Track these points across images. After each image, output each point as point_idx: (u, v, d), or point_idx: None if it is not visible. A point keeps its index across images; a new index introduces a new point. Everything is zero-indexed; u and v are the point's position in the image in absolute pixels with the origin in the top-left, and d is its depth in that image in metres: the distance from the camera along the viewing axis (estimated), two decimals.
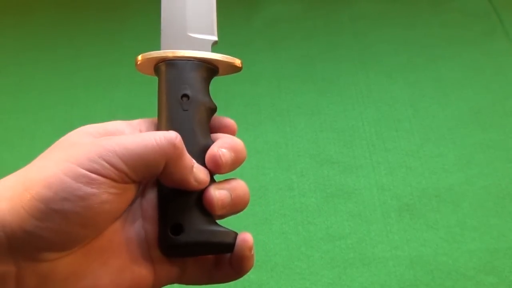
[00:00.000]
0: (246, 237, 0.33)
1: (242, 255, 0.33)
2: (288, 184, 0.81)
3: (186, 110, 0.34)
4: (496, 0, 1.03)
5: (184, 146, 0.31)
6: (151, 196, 0.33)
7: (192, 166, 0.32)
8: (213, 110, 0.36)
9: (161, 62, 0.35)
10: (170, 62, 0.35)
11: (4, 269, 0.28)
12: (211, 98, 0.36)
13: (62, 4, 1.17)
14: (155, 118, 0.36)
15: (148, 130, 0.35)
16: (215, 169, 0.33)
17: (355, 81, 0.94)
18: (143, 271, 0.32)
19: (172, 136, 0.30)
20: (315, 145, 0.85)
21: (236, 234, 0.33)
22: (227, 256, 0.34)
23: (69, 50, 1.07)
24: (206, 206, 0.33)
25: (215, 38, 0.38)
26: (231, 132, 0.37)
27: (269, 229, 0.76)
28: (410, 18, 1.04)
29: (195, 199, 0.33)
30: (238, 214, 0.67)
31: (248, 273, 0.79)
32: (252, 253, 0.33)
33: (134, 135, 0.31)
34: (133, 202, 0.33)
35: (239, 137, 0.91)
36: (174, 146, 0.30)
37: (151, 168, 0.30)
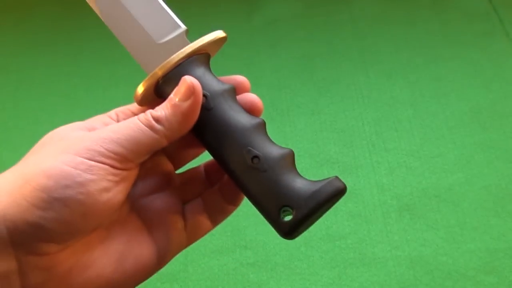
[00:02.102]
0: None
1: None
2: None
3: (211, 109, 0.33)
4: (496, 0, 1.03)
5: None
6: (141, 184, 0.34)
7: (173, 111, 0.32)
8: (232, 89, 0.34)
9: (160, 80, 0.34)
10: (169, 75, 0.34)
11: (6, 266, 0.28)
12: (221, 82, 0.34)
13: (62, 3, 1.17)
14: (131, 105, 0.35)
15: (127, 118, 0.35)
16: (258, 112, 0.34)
17: (355, 81, 0.94)
18: (144, 251, 0.32)
19: (152, 123, 0.31)
20: (315, 145, 0.85)
21: (336, 176, 0.33)
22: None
23: (69, 49, 1.07)
24: (254, 104, 0.34)
25: (182, 28, 0.36)
26: (244, 89, 0.36)
27: (269, 229, 0.76)
28: (410, 18, 1.04)
29: (285, 171, 0.32)
30: (238, 214, 0.68)
31: (248, 273, 0.79)
32: None
33: (125, 123, 0.31)
34: None
35: None
36: (164, 135, 0.31)
37: (152, 150, 0.31)
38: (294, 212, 0.31)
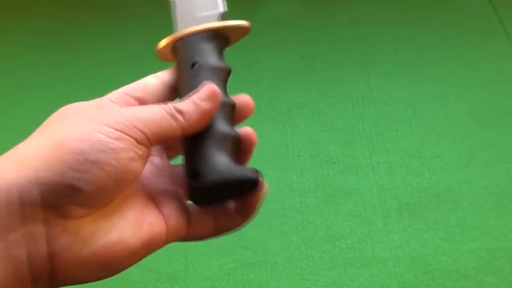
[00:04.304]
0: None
1: (261, 189, 0.34)
2: (288, 184, 0.81)
3: (197, 75, 0.36)
4: (496, 1, 1.03)
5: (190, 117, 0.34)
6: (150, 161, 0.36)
7: (195, 106, 0.34)
8: (224, 70, 0.37)
9: (177, 42, 0.38)
10: (181, 40, 0.38)
11: (34, 228, 0.29)
12: (223, 62, 0.38)
13: (62, 5, 1.17)
14: (125, 88, 0.38)
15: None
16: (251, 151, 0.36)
17: (355, 81, 0.94)
18: (157, 224, 0.33)
19: (182, 109, 0.33)
20: (315, 145, 0.85)
21: (256, 169, 0.34)
22: (233, 203, 0.35)
23: (69, 50, 1.07)
24: (246, 143, 0.35)
25: (220, 10, 0.40)
26: (248, 111, 0.38)
27: (269, 229, 0.76)
28: (410, 19, 1.04)
29: (212, 144, 0.34)
30: None
31: (248, 273, 0.79)
32: (262, 194, 0.34)
33: (147, 107, 0.33)
34: None
35: None
36: (184, 125, 0.33)
37: (169, 137, 0.33)
38: (200, 176, 0.33)
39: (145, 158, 0.32)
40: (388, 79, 0.93)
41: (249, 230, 0.76)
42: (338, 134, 0.86)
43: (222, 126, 0.35)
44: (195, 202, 0.34)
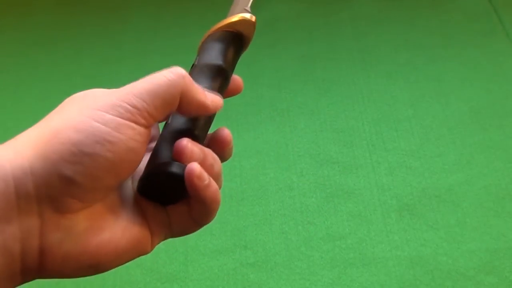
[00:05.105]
0: (191, 166, 0.32)
1: (192, 186, 0.32)
2: (288, 184, 0.81)
3: (191, 75, 0.37)
4: (496, 0, 1.03)
5: (190, 77, 0.33)
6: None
7: (204, 91, 0.34)
8: (214, 66, 0.37)
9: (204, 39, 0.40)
10: (205, 39, 0.40)
11: (28, 223, 0.28)
12: (219, 58, 0.38)
13: (62, 4, 1.17)
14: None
15: None
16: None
17: (355, 81, 0.94)
18: (144, 226, 0.33)
19: (178, 69, 0.33)
20: (315, 145, 0.85)
21: (184, 166, 0.33)
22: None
23: (70, 49, 1.07)
24: (220, 145, 0.36)
25: (244, 7, 0.41)
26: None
27: (269, 229, 0.76)
28: (410, 18, 1.04)
29: (166, 141, 0.34)
30: (238, 214, 0.67)
31: (248, 273, 0.79)
32: (205, 182, 0.33)
33: (145, 78, 0.33)
34: None
35: (239, 137, 0.92)
36: (183, 77, 0.32)
37: (169, 102, 0.32)
38: (143, 176, 0.33)
39: (145, 141, 0.32)
40: (388, 79, 0.93)
41: (249, 230, 0.76)
42: (338, 134, 0.86)
43: (184, 124, 0.35)
44: (149, 199, 0.34)
